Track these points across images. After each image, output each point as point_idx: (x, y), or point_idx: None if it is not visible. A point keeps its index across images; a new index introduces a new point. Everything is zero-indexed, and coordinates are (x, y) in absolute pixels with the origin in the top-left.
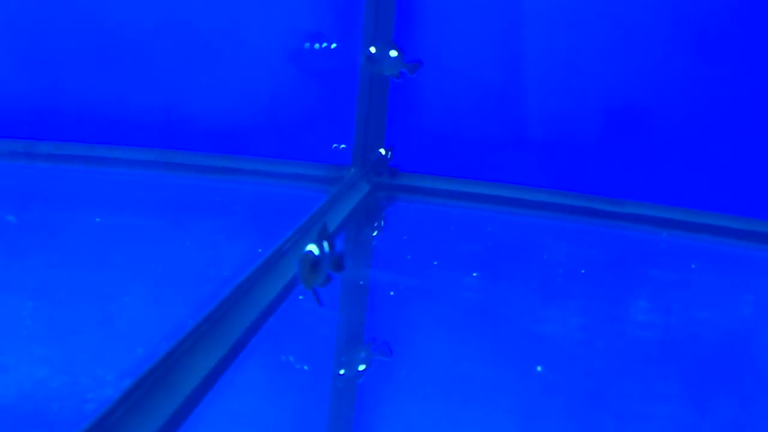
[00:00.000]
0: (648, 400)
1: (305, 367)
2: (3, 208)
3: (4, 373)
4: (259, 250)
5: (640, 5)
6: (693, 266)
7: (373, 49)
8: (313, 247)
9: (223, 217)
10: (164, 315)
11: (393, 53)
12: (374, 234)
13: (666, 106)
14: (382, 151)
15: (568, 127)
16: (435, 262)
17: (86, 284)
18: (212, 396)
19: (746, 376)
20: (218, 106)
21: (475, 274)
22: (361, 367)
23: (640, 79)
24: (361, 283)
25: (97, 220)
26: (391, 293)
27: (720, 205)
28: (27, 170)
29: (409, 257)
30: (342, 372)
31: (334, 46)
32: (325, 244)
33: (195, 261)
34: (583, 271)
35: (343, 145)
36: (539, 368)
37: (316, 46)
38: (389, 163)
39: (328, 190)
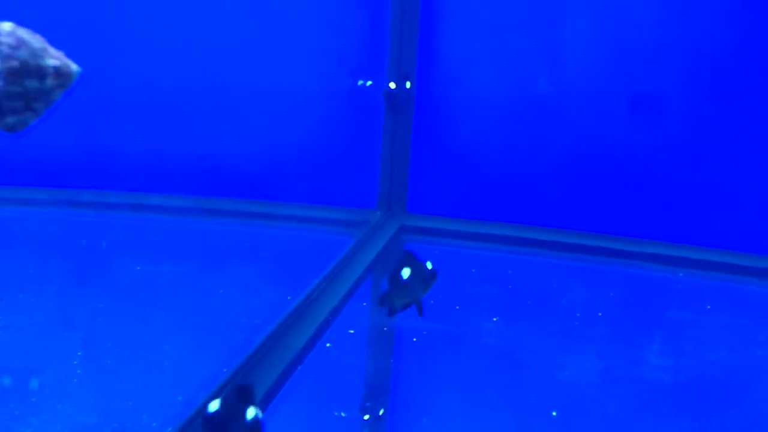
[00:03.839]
0: None
1: (342, 414)
2: (49, 256)
3: (60, 420)
4: (288, 297)
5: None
6: (708, 307)
7: None
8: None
9: (254, 262)
10: (201, 363)
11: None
12: None
13: (684, 146)
14: (392, 84)
15: (585, 169)
16: (457, 307)
17: (130, 333)
18: None
19: (756, 417)
20: (249, 154)
21: (495, 319)
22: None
23: (657, 125)
24: (385, 329)
25: (138, 268)
26: (414, 339)
27: (736, 243)
28: (71, 218)
29: (432, 302)
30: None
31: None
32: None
33: (228, 308)
34: (600, 314)
35: (369, 82)
36: (554, 413)
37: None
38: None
39: (354, 234)
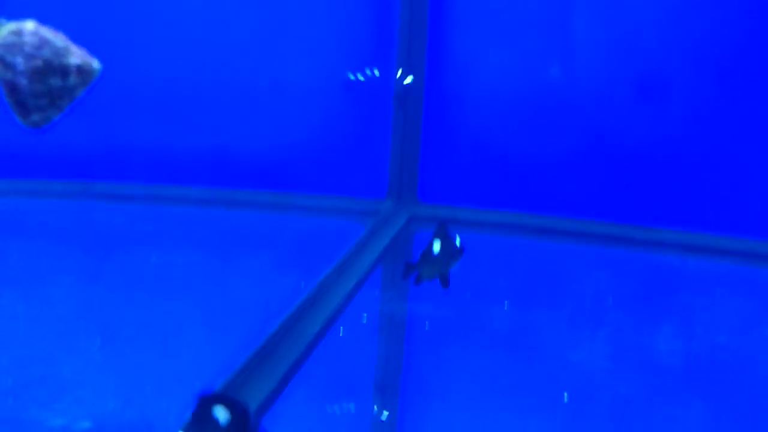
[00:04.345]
0: (670, 426)
1: (350, 407)
2: (66, 247)
3: (82, 405)
4: (302, 284)
5: (678, 46)
6: (717, 291)
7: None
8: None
9: (268, 251)
10: (218, 349)
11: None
12: None
13: (695, 133)
14: (408, 79)
15: (595, 158)
16: (468, 293)
17: (147, 321)
18: (265, 422)
19: (763, 398)
20: (262, 146)
21: (506, 304)
22: None
23: (666, 112)
24: (398, 316)
25: (154, 258)
26: (426, 325)
27: (747, 229)
28: (87, 209)
29: (443, 289)
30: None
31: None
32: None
33: (244, 296)
34: (611, 299)
35: (376, 72)
36: (565, 396)
37: (361, 77)
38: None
39: (365, 223)
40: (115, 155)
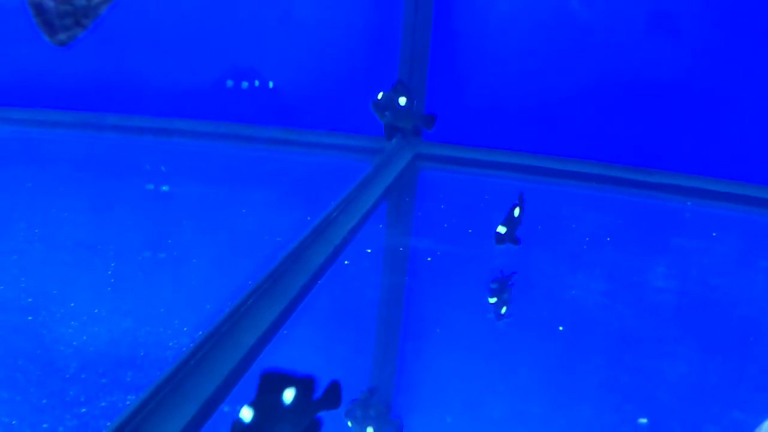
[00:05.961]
0: (659, 359)
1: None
2: (77, 175)
3: (98, 323)
4: (308, 218)
5: None
6: (714, 234)
7: (380, 95)
8: (246, 413)
9: (275, 186)
10: (227, 276)
11: (402, 101)
12: None
13: (692, 79)
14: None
15: (598, 100)
16: (470, 230)
17: (159, 248)
18: (270, 347)
19: (756, 339)
20: (270, 81)
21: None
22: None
23: (668, 53)
24: (401, 249)
25: (165, 188)
26: (429, 259)
27: (744, 174)
28: (96, 140)
29: (445, 225)
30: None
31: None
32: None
33: (251, 227)
34: (608, 239)
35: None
36: (561, 328)
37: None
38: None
39: (371, 160)
40: (126, 88)
